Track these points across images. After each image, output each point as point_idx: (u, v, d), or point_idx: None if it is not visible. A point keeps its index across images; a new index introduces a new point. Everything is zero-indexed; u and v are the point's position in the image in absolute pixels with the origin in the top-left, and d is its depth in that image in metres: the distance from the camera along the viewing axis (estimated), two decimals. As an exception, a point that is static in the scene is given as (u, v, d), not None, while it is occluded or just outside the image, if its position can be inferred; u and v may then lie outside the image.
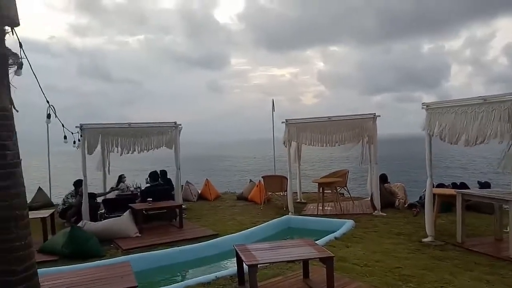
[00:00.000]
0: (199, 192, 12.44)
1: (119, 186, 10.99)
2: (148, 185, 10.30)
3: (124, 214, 8.01)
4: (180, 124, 9.63)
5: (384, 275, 5.14)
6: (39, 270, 4.93)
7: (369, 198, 9.81)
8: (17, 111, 2.26)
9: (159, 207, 8.66)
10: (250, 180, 12.56)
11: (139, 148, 9.40)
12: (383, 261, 5.71)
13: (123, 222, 7.81)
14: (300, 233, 8.13)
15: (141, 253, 6.54)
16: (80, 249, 6.47)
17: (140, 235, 7.74)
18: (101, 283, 3.79)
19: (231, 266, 6.20)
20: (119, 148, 9.30)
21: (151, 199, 8.50)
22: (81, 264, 5.81)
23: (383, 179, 9.94)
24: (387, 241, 6.79)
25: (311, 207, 10.07)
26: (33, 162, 35.30)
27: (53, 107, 4.65)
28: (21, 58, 2.21)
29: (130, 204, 8.51)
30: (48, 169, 12.69)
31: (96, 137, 8.94)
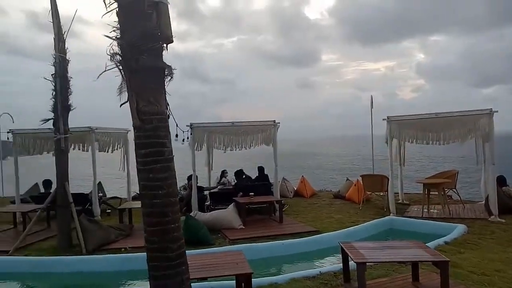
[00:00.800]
0: (295, 188, 12.67)
1: (221, 181, 11.79)
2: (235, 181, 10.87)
3: (229, 206, 8.61)
4: (279, 122, 9.94)
5: (507, 286, 4.71)
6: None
7: (483, 202, 8.93)
8: (171, 113, 2.69)
9: (261, 201, 9.09)
10: (347, 179, 12.37)
11: (240, 145, 9.99)
12: (504, 271, 5.22)
13: (229, 214, 8.40)
14: (403, 235, 7.79)
15: (246, 244, 6.97)
16: (193, 237, 7.16)
17: (243, 227, 8.25)
18: (222, 267, 4.21)
19: (333, 263, 6.27)
20: (223, 145, 10.00)
21: (253, 193, 8.97)
22: (200, 250, 6.44)
23: (501, 181, 8.95)
24: (509, 250, 6.15)
25: (415, 209, 9.55)
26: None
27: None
28: (175, 69, 2.63)
29: (234, 198, 9.08)
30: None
31: (203, 135, 9.72)
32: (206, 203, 9.93)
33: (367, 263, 4.27)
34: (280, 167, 9.93)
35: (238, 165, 14.04)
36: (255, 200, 8.96)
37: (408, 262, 4.81)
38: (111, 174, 19.77)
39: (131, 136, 11.48)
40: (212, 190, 10.80)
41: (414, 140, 9.23)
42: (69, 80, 7.31)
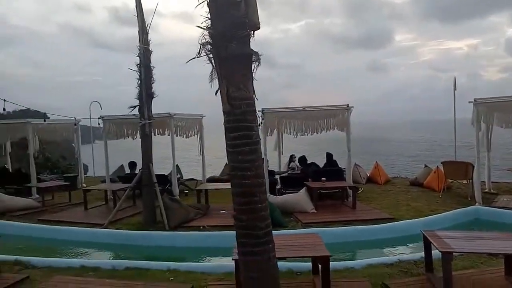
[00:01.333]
0: (368, 175, 12.32)
1: (290, 165, 11.88)
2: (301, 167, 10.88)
3: (301, 191, 8.67)
4: (352, 107, 9.66)
5: None
6: (233, 233, 5.86)
7: None
8: (257, 99, 2.80)
9: (334, 186, 9.02)
10: (425, 165, 11.70)
11: (311, 130, 9.92)
12: None
13: (301, 198, 8.48)
14: (491, 227, 7.23)
15: (319, 228, 6.99)
16: (267, 218, 7.36)
17: (315, 211, 8.27)
18: (300, 248, 4.32)
19: (409, 251, 6.07)
20: (294, 130, 10.02)
21: (324, 178, 8.92)
22: (275, 231, 6.60)
23: None
24: None
25: (504, 199, 8.73)
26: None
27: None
28: (261, 54, 2.71)
29: (305, 182, 9.12)
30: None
31: (274, 120, 9.81)
32: (277, 187, 10.10)
33: (454, 253, 4.06)
34: (353, 153, 9.69)
35: (303, 150, 13.99)
36: (328, 185, 8.89)
37: (500, 255, 4.47)
38: (186, 157, 20.96)
39: (205, 121, 12.08)
40: (282, 175, 10.94)
41: (505, 124, 8.39)
42: (152, 70, 7.84)
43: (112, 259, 6.75)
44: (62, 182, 11.99)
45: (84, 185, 12.63)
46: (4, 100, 10.34)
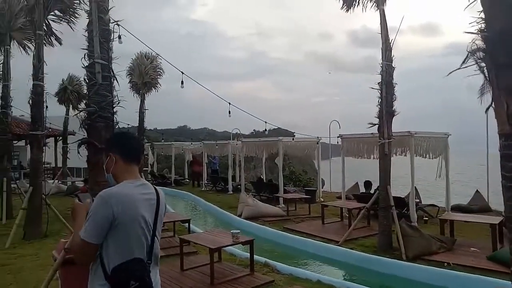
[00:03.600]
0: None
1: None
2: None
3: None
4: None
5: None
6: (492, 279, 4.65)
7: None
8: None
9: None
10: None
11: None
12: None
13: None
14: None
15: None
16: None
17: None
18: None
19: None
20: None
21: None
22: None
23: None
24: None
25: None
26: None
27: None
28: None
29: None
30: (487, 171, 12.23)
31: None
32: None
33: None
34: None
35: None
36: None
37: None
38: (422, 180, 19.12)
39: (450, 140, 10.59)
40: None
41: None
42: (394, 86, 7.48)
43: (345, 279, 6.71)
44: (303, 194, 13.15)
45: (322, 199, 13.43)
46: (265, 122, 12.37)
